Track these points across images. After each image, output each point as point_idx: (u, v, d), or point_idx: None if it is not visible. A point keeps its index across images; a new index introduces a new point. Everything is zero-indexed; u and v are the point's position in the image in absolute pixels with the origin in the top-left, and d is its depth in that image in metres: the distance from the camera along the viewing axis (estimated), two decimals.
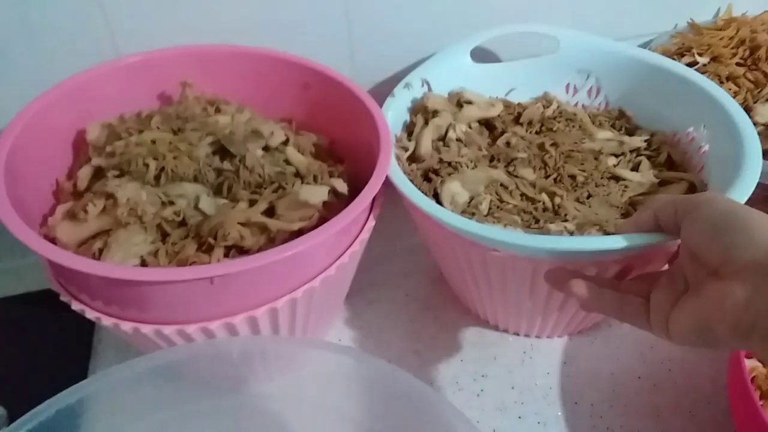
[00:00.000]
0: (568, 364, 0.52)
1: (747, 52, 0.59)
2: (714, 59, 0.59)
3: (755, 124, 0.50)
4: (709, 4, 0.68)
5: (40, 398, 0.34)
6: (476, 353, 0.53)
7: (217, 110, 0.51)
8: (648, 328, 0.37)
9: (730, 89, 0.56)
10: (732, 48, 0.59)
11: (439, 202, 0.49)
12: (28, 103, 0.46)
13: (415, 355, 0.53)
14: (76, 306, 0.40)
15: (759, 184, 0.43)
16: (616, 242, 0.40)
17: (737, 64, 0.58)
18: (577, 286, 0.39)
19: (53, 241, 0.42)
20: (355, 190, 0.43)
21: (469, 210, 0.48)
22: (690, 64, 0.58)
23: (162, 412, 0.41)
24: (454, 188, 0.48)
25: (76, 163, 0.49)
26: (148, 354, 0.40)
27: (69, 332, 0.52)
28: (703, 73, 0.57)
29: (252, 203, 0.44)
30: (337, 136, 0.55)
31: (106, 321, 0.40)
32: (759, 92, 0.55)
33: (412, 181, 0.48)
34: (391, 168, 0.46)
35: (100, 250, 0.42)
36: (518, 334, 0.54)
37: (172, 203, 0.44)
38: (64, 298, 0.41)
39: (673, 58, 0.59)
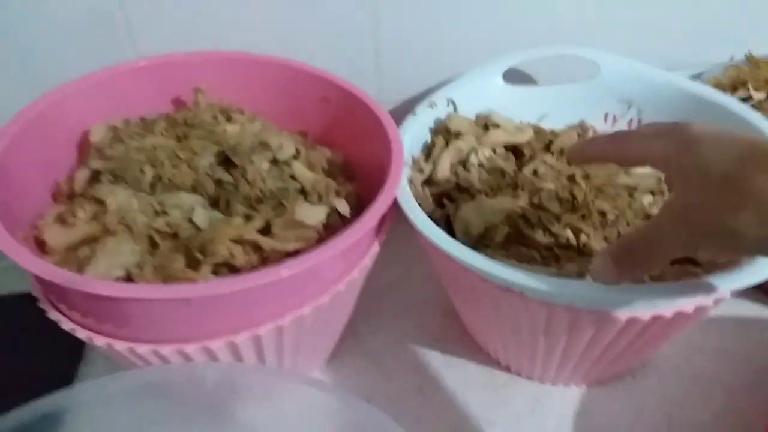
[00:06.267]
0: (583, 417, 0.47)
1: None
2: None
3: None
4: None
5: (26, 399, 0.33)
6: (483, 396, 0.49)
7: (228, 119, 0.49)
8: None
9: None
10: None
11: (451, 231, 0.45)
12: (37, 98, 0.45)
13: (417, 393, 0.49)
14: (53, 315, 0.38)
15: None
16: (652, 294, 0.36)
17: None
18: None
19: (42, 243, 0.41)
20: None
21: (484, 242, 0.44)
22: (744, 99, 0.53)
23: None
24: (469, 217, 0.44)
25: (79, 166, 0.47)
26: (136, 370, 0.38)
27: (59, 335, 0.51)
28: (758, 110, 0.51)
29: (249, 219, 0.41)
30: (354, 154, 0.52)
31: (81, 334, 0.38)
32: None
33: (422, 206, 0.45)
34: (401, 191, 0.43)
35: (88, 258, 0.40)
36: (531, 379, 0.50)
37: (165, 213, 0.42)
38: (42, 305, 0.39)
39: (726, 93, 0.54)
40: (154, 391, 0.37)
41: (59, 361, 0.52)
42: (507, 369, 0.50)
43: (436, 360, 0.51)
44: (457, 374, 0.50)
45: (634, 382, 0.49)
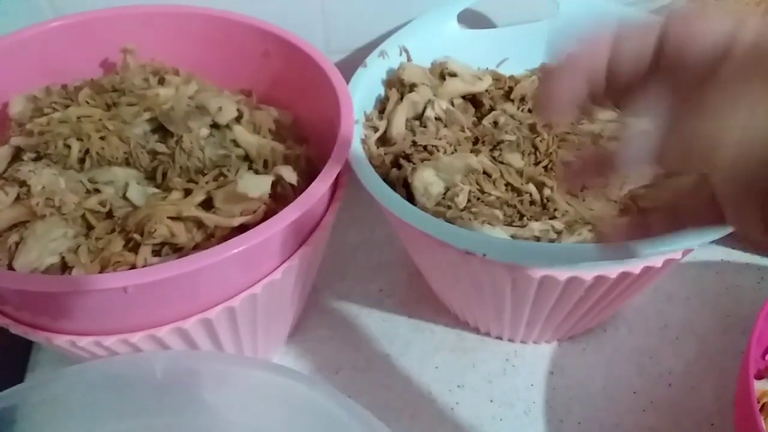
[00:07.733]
0: (555, 375, 0.46)
1: None
2: None
3: None
4: None
5: None
6: (453, 359, 0.47)
7: (161, 81, 0.45)
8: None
9: None
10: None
11: (410, 192, 0.43)
12: None
13: (386, 360, 0.47)
14: None
15: None
16: (617, 253, 0.34)
17: None
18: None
19: None
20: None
21: (445, 203, 0.41)
22: None
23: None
24: (428, 177, 0.42)
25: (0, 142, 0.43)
26: (81, 364, 0.35)
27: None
28: None
29: (188, 193, 0.38)
30: (303, 113, 0.48)
31: (16, 329, 0.35)
32: None
33: (377, 168, 0.42)
34: (353, 154, 0.40)
35: (17, 244, 0.37)
36: (501, 339, 0.48)
37: (98, 191, 0.38)
38: None
39: None
40: (103, 384, 0.35)
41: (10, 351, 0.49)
42: (476, 330, 0.49)
43: (404, 325, 0.50)
44: (425, 339, 0.49)
45: (605, 335, 0.48)
